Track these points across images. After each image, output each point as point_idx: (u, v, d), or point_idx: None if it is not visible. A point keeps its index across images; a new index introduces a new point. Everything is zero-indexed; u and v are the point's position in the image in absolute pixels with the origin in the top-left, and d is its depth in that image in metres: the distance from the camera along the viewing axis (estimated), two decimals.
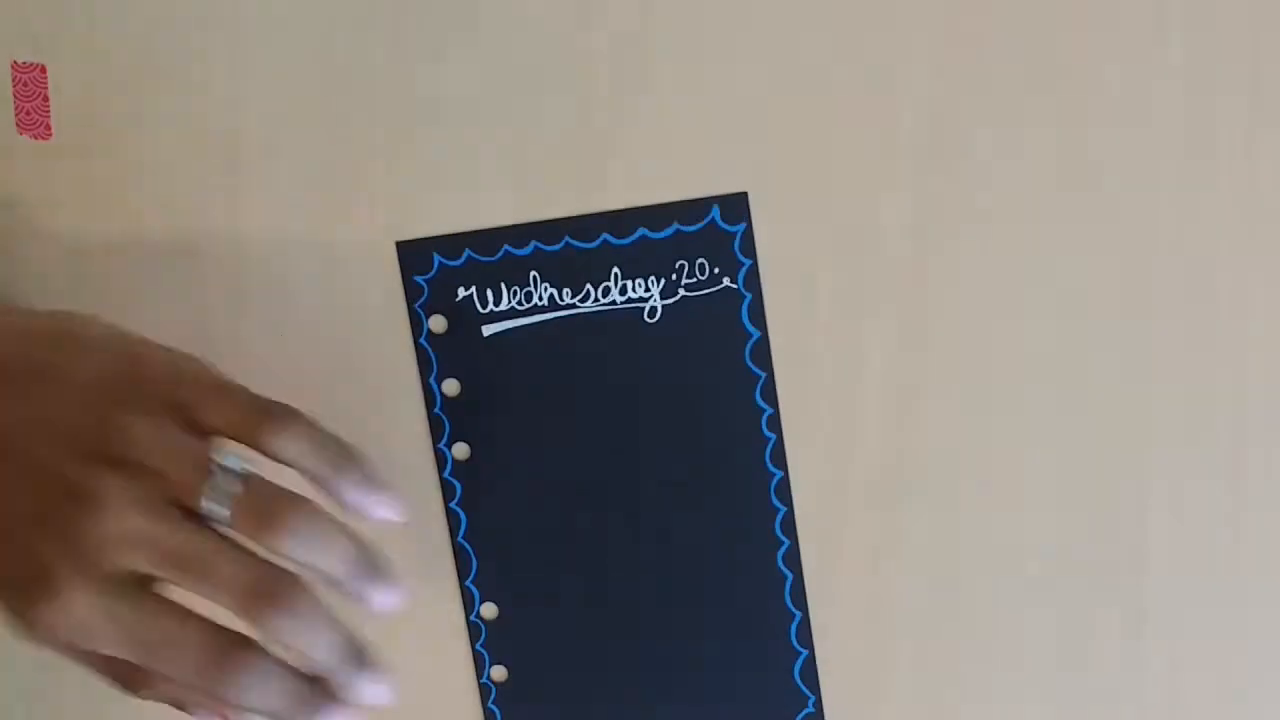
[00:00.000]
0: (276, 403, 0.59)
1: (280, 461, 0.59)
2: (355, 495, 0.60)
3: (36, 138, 0.65)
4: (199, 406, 0.59)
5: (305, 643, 0.57)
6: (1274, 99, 0.66)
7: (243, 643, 0.57)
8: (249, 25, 0.65)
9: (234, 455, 0.58)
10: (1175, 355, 0.66)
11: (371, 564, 0.59)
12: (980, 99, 0.65)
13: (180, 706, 0.60)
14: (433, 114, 0.66)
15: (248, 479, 0.57)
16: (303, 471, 0.59)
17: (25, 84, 0.65)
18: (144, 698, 0.60)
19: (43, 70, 0.65)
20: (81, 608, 0.56)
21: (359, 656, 0.59)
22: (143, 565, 0.56)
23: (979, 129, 0.65)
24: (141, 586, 0.57)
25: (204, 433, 0.59)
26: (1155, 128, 0.65)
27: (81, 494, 0.56)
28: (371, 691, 0.59)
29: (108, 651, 0.57)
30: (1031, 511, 0.67)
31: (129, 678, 0.59)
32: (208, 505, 0.57)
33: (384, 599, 0.59)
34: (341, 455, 0.60)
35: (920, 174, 0.66)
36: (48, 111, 0.65)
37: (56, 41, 0.65)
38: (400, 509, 0.61)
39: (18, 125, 0.65)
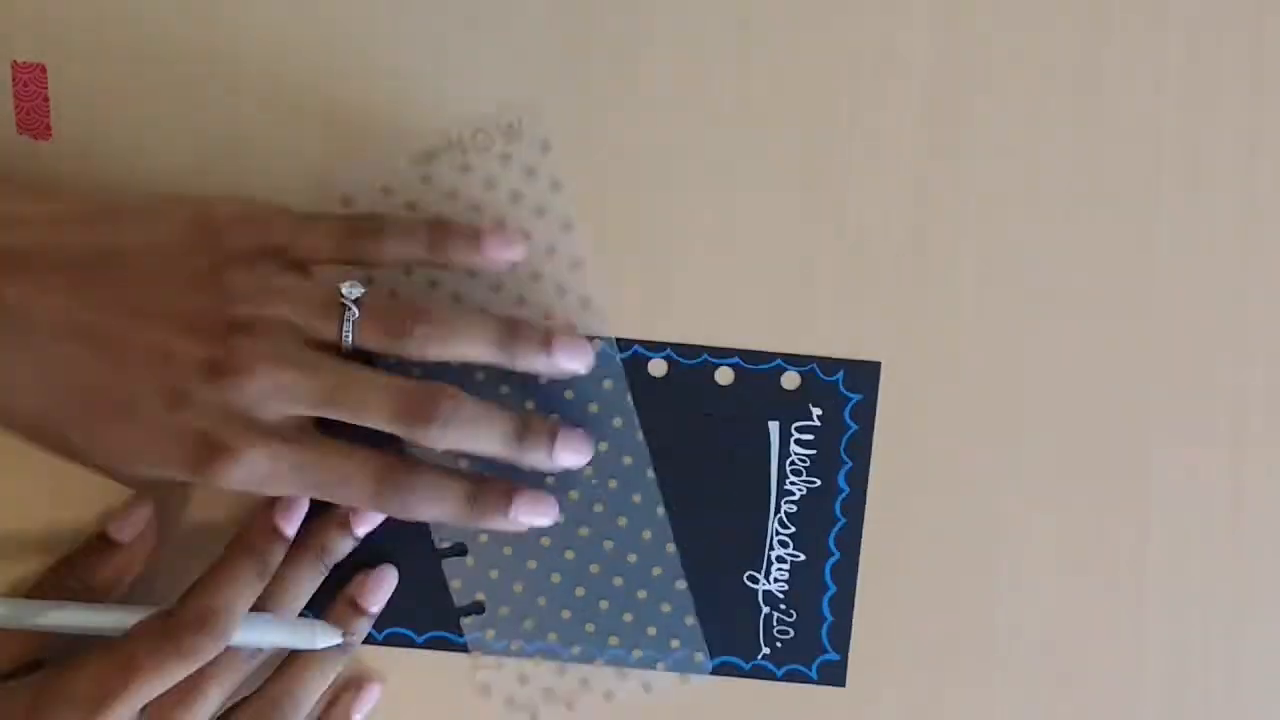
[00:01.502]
0: (359, 215, 0.62)
1: (387, 266, 0.62)
2: (467, 254, 0.62)
3: (36, 138, 0.65)
4: (292, 244, 0.60)
5: (469, 445, 0.61)
6: (1274, 98, 0.66)
7: (406, 464, 0.61)
8: (250, 26, 0.65)
9: (350, 282, 0.60)
10: (1175, 355, 0.67)
11: (516, 332, 0.62)
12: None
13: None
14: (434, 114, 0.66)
15: (364, 301, 0.60)
16: (413, 263, 0.63)
17: (25, 84, 0.65)
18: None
19: (43, 70, 0.65)
20: (258, 464, 0.59)
21: (534, 435, 0.62)
22: (301, 410, 0.59)
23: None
24: (304, 429, 0.60)
25: (305, 266, 0.60)
26: (1156, 128, 0.66)
27: (222, 367, 0.58)
28: (560, 460, 0.63)
29: (286, 494, 0.61)
30: (1031, 510, 0.67)
31: None
32: (347, 338, 0.60)
33: (540, 361, 0.63)
34: (438, 230, 0.62)
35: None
36: (48, 111, 0.65)
37: (57, 41, 0.65)
38: (514, 246, 0.63)
39: (18, 125, 0.65)
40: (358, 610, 0.65)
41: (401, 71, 0.66)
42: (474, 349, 0.61)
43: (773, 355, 0.66)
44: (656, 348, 0.66)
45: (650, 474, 0.66)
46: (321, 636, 0.64)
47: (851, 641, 0.68)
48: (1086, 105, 0.66)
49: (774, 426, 0.66)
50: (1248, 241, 0.66)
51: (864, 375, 0.66)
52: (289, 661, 0.64)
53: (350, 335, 0.60)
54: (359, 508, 0.62)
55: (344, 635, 0.64)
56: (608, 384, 0.66)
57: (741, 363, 0.66)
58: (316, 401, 0.59)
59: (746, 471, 0.67)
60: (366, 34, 0.65)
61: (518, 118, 0.65)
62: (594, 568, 0.67)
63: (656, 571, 0.67)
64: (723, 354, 0.66)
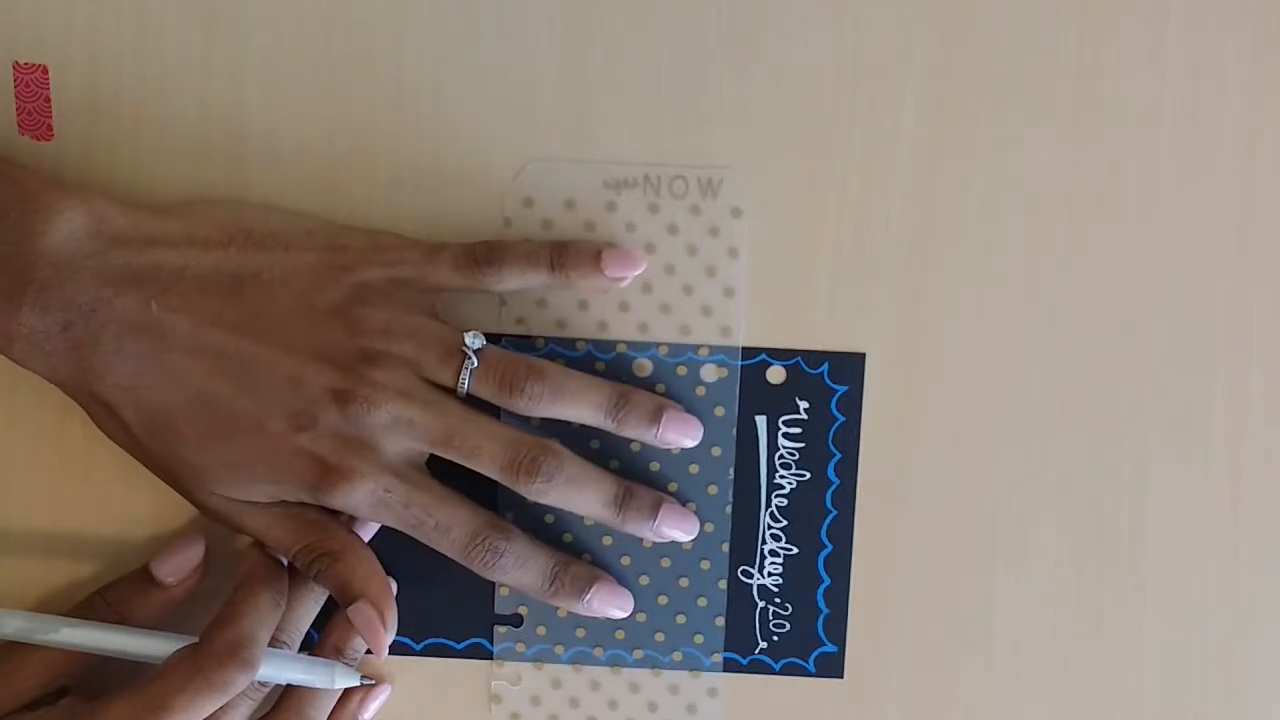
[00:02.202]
0: (478, 245, 0.63)
1: (505, 291, 0.65)
2: (589, 273, 0.64)
3: (38, 139, 0.65)
4: (419, 276, 0.64)
5: (566, 503, 0.64)
6: (1274, 97, 0.66)
7: (502, 529, 0.63)
8: (251, 26, 0.65)
9: (473, 333, 0.63)
10: (1175, 354, 0.67)
11: (627, 402, 0.65)
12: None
13: (342, 596, 0.64)
14: (436, 115, 0.66)
15: (485, 352, 0.63)
16: (536, 287, 0.65)
17: (27, 85, 0.65)
18: (316, 577, 0.64)
19: (44, 71, 0.65)
20: (372, 492, 0.62)
21: (634, 506, 0.65)
22: (419, 445, 0.62)
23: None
24: (417, 467, 0.63)
25: (432, 299, 0.64)
26: (1156, 127, 0.66)
27: (350, 396, 0.61)
28: (663, 532, 0.66)
29: (386, 523, 0.63)
30: (1022, 497, 0.68)
31: (316, 554, 0.63)
32: (463, 385, 0.62)
33: (648, 434, 0.65)
34: (559, 250, 0.64)
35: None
36: (49, 112, 0.65)
37: (58, 42, 0.65)
38: (635, 264, 0.65)
39: (19, 126, 0.65)
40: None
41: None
42: (583, 412, 0.64)
43: (757, 350, 0.67)
44: (641, 348, 0.67)
45: (731, 472, 0.67)
46: (340, 677, 0.65)
47: (848, 633, 0.68)
48: (1086, 104, 0.66)
49: (761, 421, 0.67)
50: (1248, 241, 0.67)
51: (849, 367, 0.67)
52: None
53: (466, 383, 0.63)
54: (446, 553, 0.63)
55: (362, 679, 0.65)
56: (722, 373, 0.67)
57: (727, 359, 0.67)
58: (435, 440, 0.62)
59: (736, 466, 0.67)
60: (368, 35, 0.66)
61: (720, 176, 0.66)
62: (644, 579, 0.68)
63: (705, 565, 0.67)
64: (709, 350, 0.67)
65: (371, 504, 0.62)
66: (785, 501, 0.68)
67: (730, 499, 0.67)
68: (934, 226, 0.66)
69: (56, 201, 0.61)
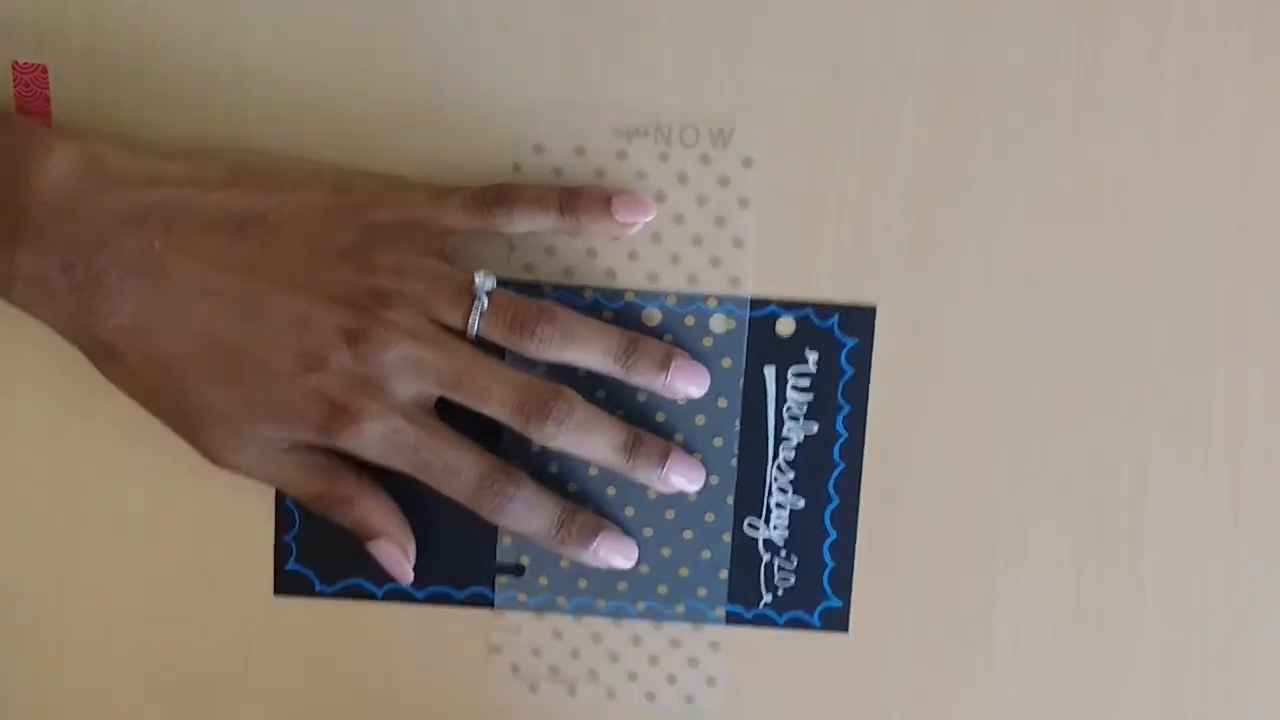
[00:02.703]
0: (489, 187, 0.63)
1: (520, 234, 0.64)
2: (599, 218, 0.64)
3: None
4: (428, 217, 0.63)
5: (576, 448, 0.63)
6: (1274, 97, 0.66)
7: (512, 474, 0.63)
8: (251, 26, 0.65)
9: (483, 273, 0.62)
10: (1175, 354, 0.67)
11: (637, 348, 0.64)
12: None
13: (362, 535, 0.64)
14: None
15: (495, 294, 0.62)
16: (545, 231, 0.64)
17: (27, 84, 0.65)
18: (334, 520, 0.64)
19: (44, 70, 0.65)
20: (381, 433, 0.61)
21: (643, 453, 0.64)
22: (429, 387, 0.62)
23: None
24: (426, 410, 0.63)
25: (442, 241, 0.63)
26: (1156, 127, 0.66)
27: (361, 336, 0.61)
28: (670, 481, 0.65)
29: (395, 468, 0.62)
30: (1031, 509, 0.67)
31: (330, 501, 0.64)
32: (473, 327, 0.62)
33: (656, 382, 0.65)
34: (569, 195, 0.64)
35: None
36: (49, 112, 0.65)
37: (58, 42, 0.65)
38: (645, 209, 0.65)
39: None
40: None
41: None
42: (592, 357, 0.64)
43: (767, 301, 0.66)
44: (649, 297, 0.66)
45: (737, 424, 0.67)
46: None
47: (853, 587, 0.68)
48: (1086, 104, 0.66)
49: (769, 372, 0.67)
50: (1248, 241, 0.66)
51: (859, 320, 0.66)
52: None
53: (476, 324, 0.62)
54: (454, 498, 0.63)
55: None
56: (730, 324, 0.67)
57: (735, 309, 0.67)
58: (445, 381, 0.62)
59: (743, 417, 0.67)
60: (368, 35, 0.65)
61: (731, 126, 0.65)
62: (648, 530, 0.67)
63: (710, 518, 0.67)
64: (718, 300, 0.66)
65: (380, 445, 0.61)
66: (793, 454, 0.67)
67: (736, 451, 0.67)
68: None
69: (51, 140, 0.60)
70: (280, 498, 0.67)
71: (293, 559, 0.67)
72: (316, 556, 0.67)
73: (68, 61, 0.65)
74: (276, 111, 0.65)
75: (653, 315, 0.66)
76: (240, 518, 0.67)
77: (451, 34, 0.65)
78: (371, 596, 0.67)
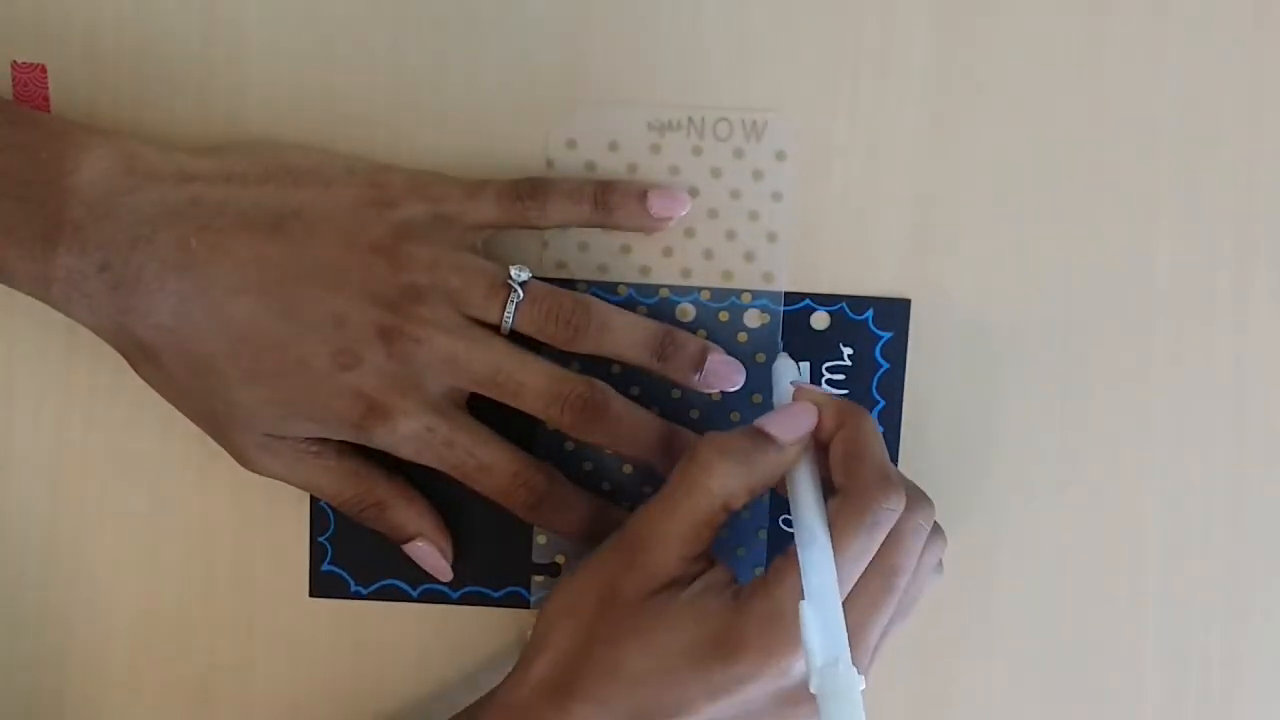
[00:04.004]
0: (522, 180, 0.63)
1: (553, 228, 0.64)
2: (634, 213, 0.64)
3: None
4: (461, 212, 0.62)
5: (610, 443, 0.63)
6: (1275, 97, 0.66)
7: (544, 471, 0.63)
8: (250, 25, 0.64)
9: (518, 266, 0.62)
10: (1175, 354, 0.67)
11: (672, 343, 0.63)
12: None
13: (398, 539, 0.65)
14: (437, 115, 0.65)
15: (530, 286, 0.62)
16: (579, 225, 0.64)
17: (25, 84, 0.64)
18: (368, 525, 0.65)
19: (43, 70, 0.64)
20: (414, 431, 0.61)
21: (678, 449, 0.63)
22: (463, 383, 0.61)
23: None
24: (459, 406, 0.62)
25: (476, 235, 0.63)
26: (1156, 127, 0.66)
27: (395, 333, 0.60)
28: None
29: (427, 464, 0.62)
30: (1032, 510, 0.68)
31: (363, 506, 0.64)
32: (508, 321, 0.61)
33: (691, 378, 0.64)
34: (604, 189, 0.63)
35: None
36: (48, 112, 0.64)
37: (57, 42, 0.64)
38: (680, 204, 0.64)
39: None
40: None
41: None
42: (627, 350, 0.63)
43: (801, 295, 0.66)
44: (683, 292, 0.66)
45: None
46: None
47: None
48: (1086, 101, 0.66)
49: (804, 367, 0.66)
50: (1248, 241, 0.66)
51: (894, 313, 0.66)
52: None
53: (511, 318, 0.61)
54: (486, 494, 0.63)
55: None
56: (764, 319, 0.66)
57: (769, 304, 0.66)
58: (479, 377, 0.61)
59: None
60: (368, 34, 0.65)
61: (765, 119, 0.65)
62: None
63: (745, 514, 0.67)
64: (751, 295, 0.66)
65: (414, 443, 0.61)
66: None
67: None
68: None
69: (86, 139, 0.60)
70: (315, 500, 0.66)
71: (328, 560, 0.67)
72: (352, 558, 0.67)
73: (67, 61, 0.64)
74: (277, 110, 0.65)
75: (686, 311, 0.66)
76: (275, 520, 0.67)
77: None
78: (407, 597, 0.67)
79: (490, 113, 0.65)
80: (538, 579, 0.67)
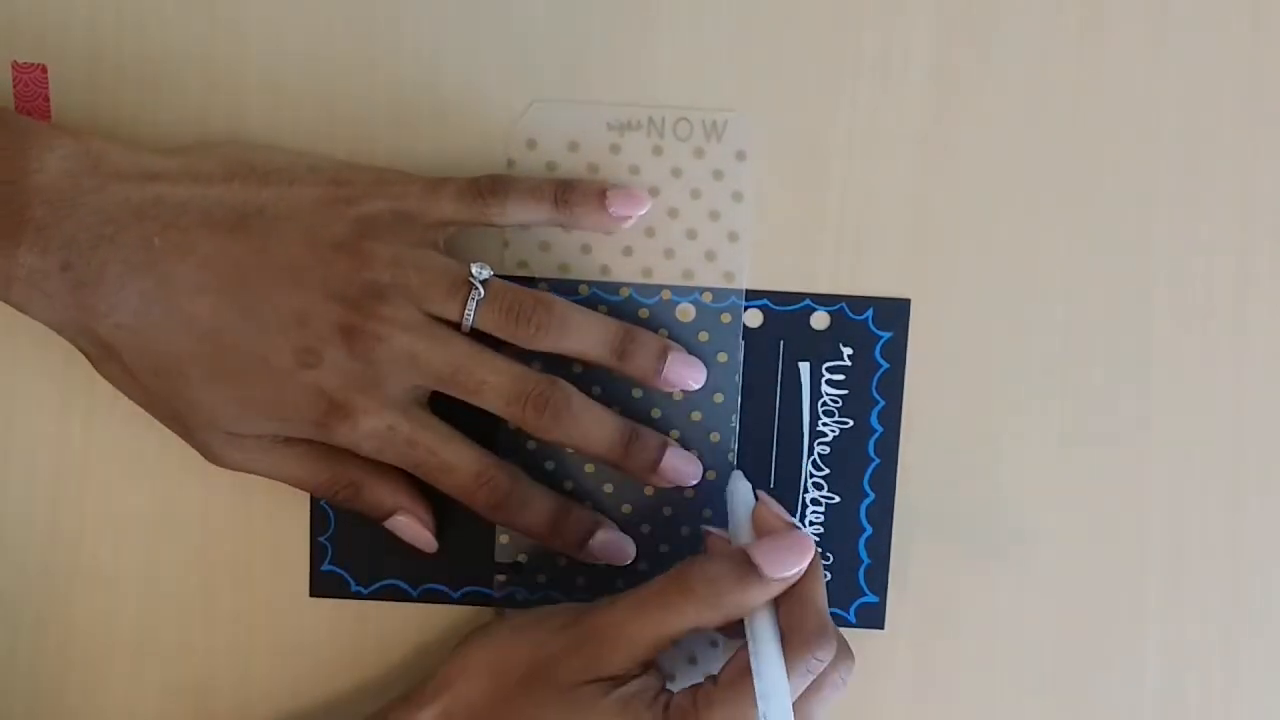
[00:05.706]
0: (483, 178, 0.63)
1: (513, 226, 0.64)
2: (593, 213, 0.64)
3: None
4: (422, 210, 0.63)
5: (571, 441, 0.63)
6: (1275, 97, 0.64)
7: (508, 471, 0.63)
8: (250, 25, 0.65)
9: (479, 264, 0.62)
10: (1175, 353, 0.66)
11: (633, 340, 0.63)
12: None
13: (377, 515, 0.65)
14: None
15: (491, 284, 0.62)
16: (538, 224, 0.64)
17: (26, 84, 0.65)
18: (347, 507, 0.65)
19: (43, 70, 0.65)
20: (375, 430, 0.61)
21: (638, 447, 0.63)
22: (424, 381, 0.62)
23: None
24: (421, 405, 0.63)
25: (437, 233, 0.63)
26: (1156, 127, 0.65)
27: (356, 331, 0.61)
28: (669, 474, 0.64)
29: (390, 462, 0.62)
30: (1031, 510, 0.67)
31: (337, 488, 0.64)
32: (469, 319, 0.62)
33: (653, 375, 0.64)
34: (562, 186, 0.63)
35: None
36: (48, 112, 0.65)
37: (58, 42, 0.65)
38: (639, 204, 0.64)
39: None
40: None
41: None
42: (588, 348, 0.63)
43: (801, 295, 0.65)
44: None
45: (734, 419, 0.66)
46: None
47: (889, 583, 0.66)
48: (1085, 101, 0.65)
49: (804, 367, 0.65)
50: (1248, 241, 0.65)
51: (894, 313, 0.65)
52: None
53: (472, 316, 0.62)
54: (448, 493, 0.63)
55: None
56: (725, 318, 0.66)
57: (770, 304, 0.65)
58: (440, 375, 0.61)
59: (779, 414, 0.66)
60: (368, 34, 0.65)
61: (724, 119, 0.65)
62: (645, 528, 0.67)
63: (706, 513, 0.67)
64: (751, 295, 0.66)
65: (376, 441, 0.61)
66: (828, 450, 0.66)
67: (733, 447, 0.66)
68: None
69: (50, 138, 0.60)
70: (315, 500, 0.67)
71: (328, 560, 0.68)
72: (352, 558, 0.68)
73: (68, 61, 0.65)
74: (275, 110, 0.65)
75: (647, 310, 0.66)
76: (275, 520, 0.67)
77: (446, 29, 0.65)
78: (407, 597, 0.68)
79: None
80: (500, 578, 0.67)
